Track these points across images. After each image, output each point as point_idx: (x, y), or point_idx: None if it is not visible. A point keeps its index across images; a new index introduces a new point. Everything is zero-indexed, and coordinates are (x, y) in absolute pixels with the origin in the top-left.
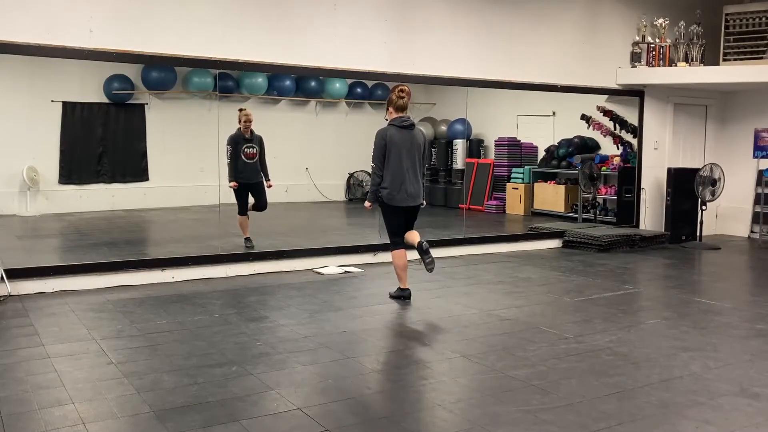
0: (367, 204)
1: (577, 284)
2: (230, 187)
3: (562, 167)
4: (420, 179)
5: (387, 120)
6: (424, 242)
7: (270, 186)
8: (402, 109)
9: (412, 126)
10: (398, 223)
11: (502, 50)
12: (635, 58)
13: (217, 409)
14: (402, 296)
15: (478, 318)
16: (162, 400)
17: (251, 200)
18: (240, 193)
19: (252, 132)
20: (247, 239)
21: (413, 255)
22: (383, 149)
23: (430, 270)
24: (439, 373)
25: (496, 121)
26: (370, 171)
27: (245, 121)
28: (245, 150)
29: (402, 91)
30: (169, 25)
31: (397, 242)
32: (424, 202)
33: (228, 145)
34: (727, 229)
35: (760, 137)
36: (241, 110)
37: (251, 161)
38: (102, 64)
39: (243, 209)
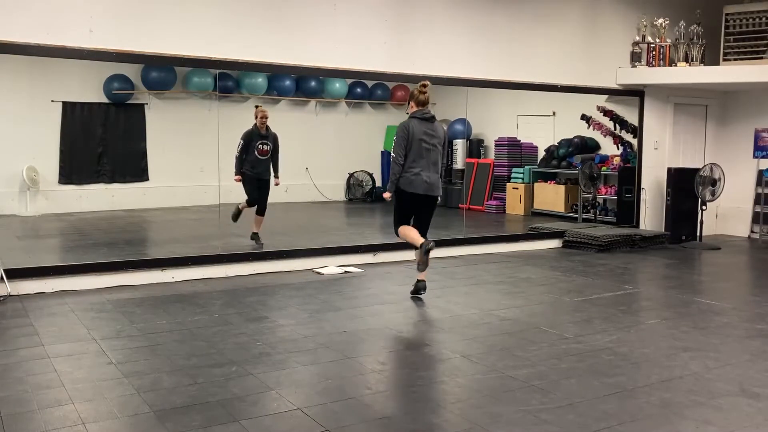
0: (386, 194)
1: (577, 284)
2: (235, 180)
3: (562, 167)
4: (439, 171)
5: (408, 114)
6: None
7: (277, 183)
8: (423, 103)
9: (432, 118)
10: (408, 212)
11: (502, 50)
12: (635, 58)
13: (217, 409)
14: (427, 249)
15: (478, 318)
16: (162, 400)
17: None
18: (249, 184)
19: (268, 129)
20: (255, 234)
21: (411, 254)
22: (405, 139)
23: (419, 269)
24: (439, 373)
25: (496, 121)
26: (369, 171)
27: (261, 117)
28: (259, 146)
29: (424, 86)
30: (169, 25)
31: (401, 224)
32: (439, 197)
33: (241, 139)
34: (727, 229)
35: (760, 137)
36: (257, 107)
37: (264, 157)
38: (102, 64)
39: (252, 202)
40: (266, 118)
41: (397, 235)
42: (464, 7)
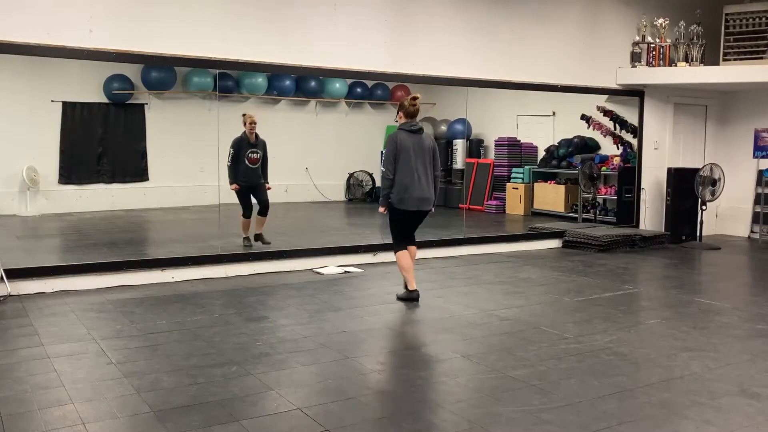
0: (381, 209)
1: (577, 284)
2: (232, 189)
3: (562, 167)
4: (431, 183)
5: (397, 122)
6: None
7: (269, 189)
8: (413, 115)
9: (420, 131)
10: (404, 228)
11: (502, 50)
12: (635, 58)
13: (217, 409)
14: (410, 298)
15: (478, 318)
16: (162, 400)
17: (254, 203)
18: (243, 196)
19: (257, 136)
20: (246, 239)
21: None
22: (394, 153)
23: (397, 298)
24: (439, 373)
25: (496, 121)
26: (369, 171)
27: (250, 124)
28: (249, 155)
29: (415, 99)
30: (169, 25)
31: (401, 245)
32: (432, 209)
33: (231, 147)
34: (727, 229)
35: (760, 137)
36: (244, 115)
37: (254, 166)
38: (102, 64)
39: (247, 212)
40: (255, 124)
41: (395, 254)
42: (464, 7)
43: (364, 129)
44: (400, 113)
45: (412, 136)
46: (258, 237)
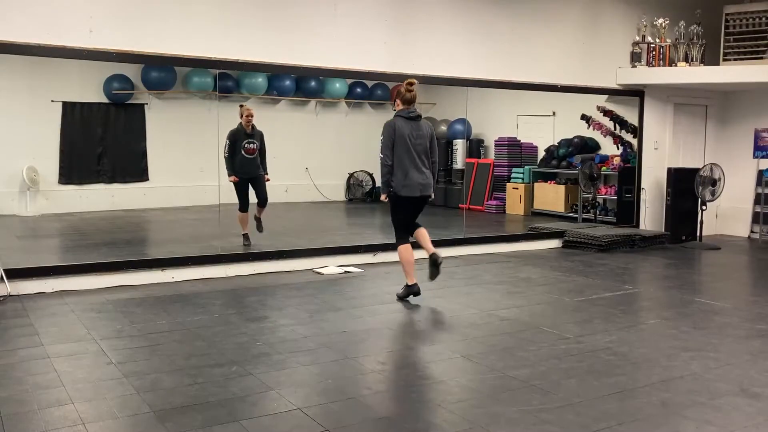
0: (382, 196)
1: (577, 284)
2: (230, 181)
3: (562, 167)
4: (430, 168)
5: (395, 111)
6: (439, 257)
7: (267, 180)
8: (410, 102)
9: (418, 117)
10: (406, 216)
11: (502, 50)
12: (635, 58)
13: (217, 409)
14: (411, 293)
15: (478, 318)
16: (162, 400)
17: (252, 197)
18: (240, 188)
19: (253, 127)
20: (245, 236)
21: (419, 254)
22: (391, 139)
23: (430, 279)
24: (439, 373)
25: (496, 121)
26: (369, 171)
27: (247, 116)
28: (245, 145)
29: (411, 84)
30: (169, 25)
31: (404, 237)
32: (432, 195)
33: (227, 139)
34: (727, 229)
35: (760, 137)
36: (242, 106)
37: (251, 156)
38: (102, 64)
39: (244, 206)
40: (252, 116)
41: (396, 246)
42: (464, 8)
43: (364, 129)
44: (398, 100)
45: (409, 123)
46: (257, 220)
